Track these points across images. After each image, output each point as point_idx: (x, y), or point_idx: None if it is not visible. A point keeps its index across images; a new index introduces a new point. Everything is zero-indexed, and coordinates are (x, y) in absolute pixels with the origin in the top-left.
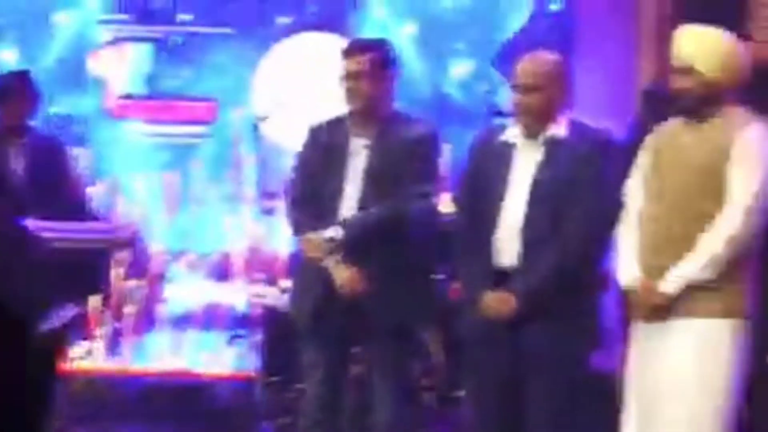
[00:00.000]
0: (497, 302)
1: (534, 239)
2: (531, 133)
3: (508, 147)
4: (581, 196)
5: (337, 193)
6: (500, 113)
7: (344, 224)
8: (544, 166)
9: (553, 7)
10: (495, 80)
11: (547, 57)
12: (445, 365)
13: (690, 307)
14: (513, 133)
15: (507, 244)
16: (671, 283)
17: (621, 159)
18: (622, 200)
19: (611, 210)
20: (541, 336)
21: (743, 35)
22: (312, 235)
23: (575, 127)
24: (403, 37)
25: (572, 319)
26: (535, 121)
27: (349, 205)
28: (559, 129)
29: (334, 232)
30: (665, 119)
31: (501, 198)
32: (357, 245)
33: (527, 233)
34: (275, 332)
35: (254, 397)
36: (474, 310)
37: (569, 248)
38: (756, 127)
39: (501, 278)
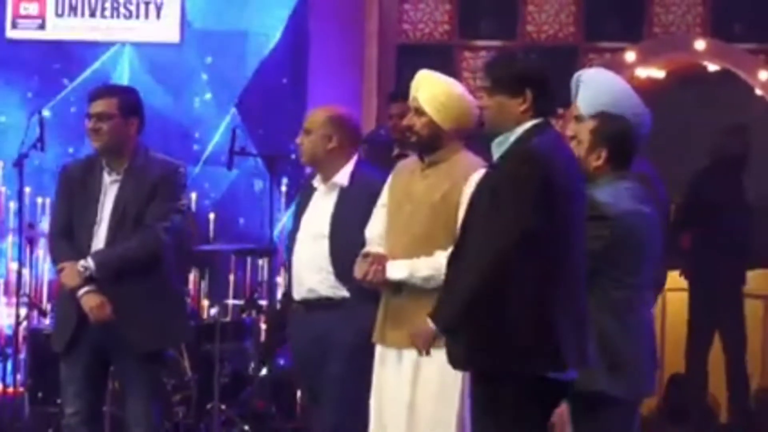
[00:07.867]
0: None
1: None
2: (324, 179)
3: (312, 191)
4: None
5: (90, 227)
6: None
7: (93, 257)
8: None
9: None
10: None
11: (332, 106)
12: (196, 380)
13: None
14: (317, 177)
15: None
16: (397, 268)
17: None
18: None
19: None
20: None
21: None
22: (68, 264)
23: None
24: None
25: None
26: (325, 166)
27: (99, 240)
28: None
29: (86, 262)
30: (389, 163)
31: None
32: (107, 275)
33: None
34: (39, 351)
35: (21, 412)
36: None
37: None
38: (480, 173)
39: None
